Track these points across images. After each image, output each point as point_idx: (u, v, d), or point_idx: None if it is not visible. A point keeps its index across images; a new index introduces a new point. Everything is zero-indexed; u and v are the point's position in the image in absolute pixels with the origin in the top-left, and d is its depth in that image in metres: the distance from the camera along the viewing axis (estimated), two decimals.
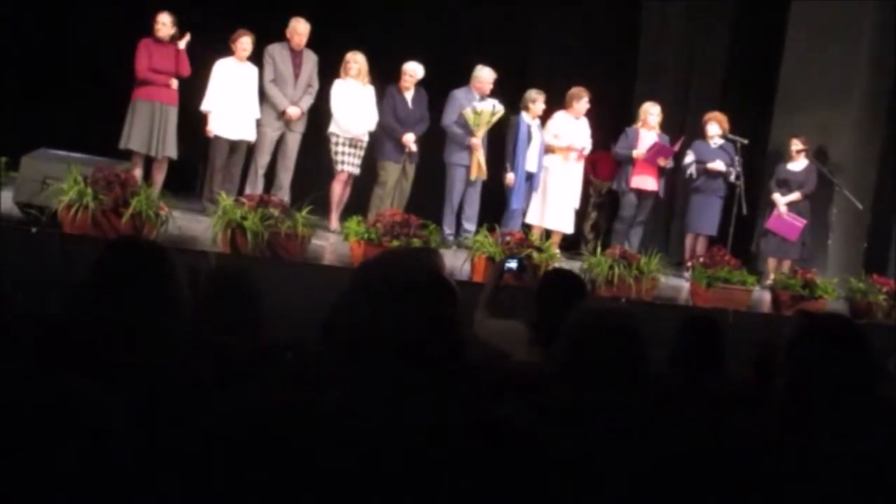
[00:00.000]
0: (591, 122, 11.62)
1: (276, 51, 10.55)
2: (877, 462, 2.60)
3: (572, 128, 11.48)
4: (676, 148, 11.69)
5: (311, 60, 10.69)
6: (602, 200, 12.93)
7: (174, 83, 10.08)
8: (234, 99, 10.33)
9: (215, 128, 10.30)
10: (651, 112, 11.78)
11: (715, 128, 11.81)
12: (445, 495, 1.79)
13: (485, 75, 11.05)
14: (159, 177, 10.05)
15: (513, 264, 5.91)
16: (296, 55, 10.60)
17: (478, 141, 10.89)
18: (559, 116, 11.48)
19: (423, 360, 2.05)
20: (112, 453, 1.73)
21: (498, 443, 1.88)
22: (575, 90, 11.45)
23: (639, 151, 11.56)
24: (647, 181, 11.67)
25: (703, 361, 4.65)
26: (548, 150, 11.34)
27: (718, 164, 11.68)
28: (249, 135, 10.47)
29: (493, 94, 11.13)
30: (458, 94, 11.07)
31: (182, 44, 10.05)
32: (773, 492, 1.99)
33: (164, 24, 10.03)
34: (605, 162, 12.38)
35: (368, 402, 2.04)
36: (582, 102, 11.41)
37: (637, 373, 3.11)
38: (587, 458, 2.11)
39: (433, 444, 1.86)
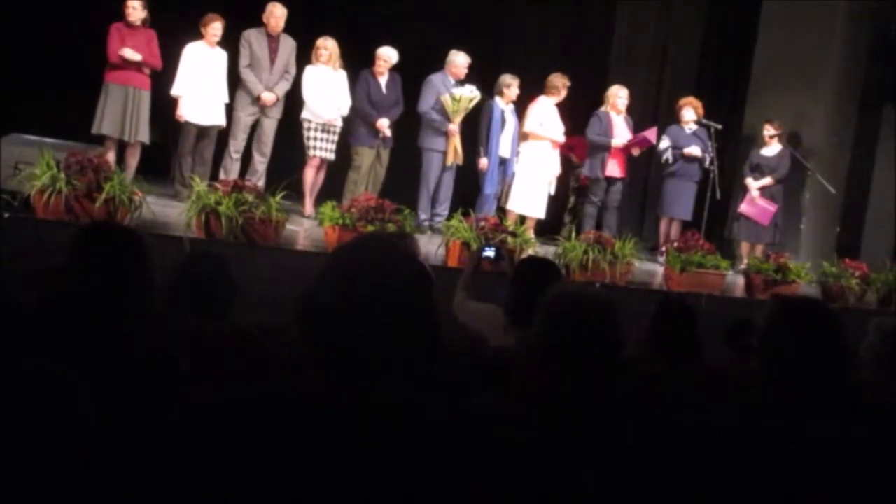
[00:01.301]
0: (566, 106, 11.60)
1: (252, 36, 10.51)
2: (848, 445, 2.62)
3: (554, 115, 11.46)
4: (653, 138, 11.69)
5: (288, 45, 10.65)
6: (580, 185, 12.96)
7: (146, 69, 10.03)
8: (203, 84, 10.27)
9: (185, 112, 10.25)
10: (619, 95, 11.73)
11: (690, 113, 11.83)
12: (420, 479, 1.80)
13: (460, 60, 11.04)
14: (133, 161, 9.98)
15: (490, 252, 5.91)
16: (272, 40, 10.56)
17: (455, 127, 10.88)
18: (543, 103, 11.43)
19: (398, 345, 2.05)
20: (86, 439, 1.73)
21: (471, 428, 1.88)
22: (557, 78, 11.41)
23: (618, 141, 11.54)
24: (617, 168, 11.68)
25: (678, 344, 4.67)
26: (530, 136, 11.32)
27: (694, 150, 11.70)
28: (219, 120, 10.42)
29: (467, 78, 11.12)
30: (435, 79, 11.05)
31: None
32: (747, 474, 2.00)
33: (135, 7, 9.94)
34: (583, 146, 12.40)
35: (343, 388, 2.04)
36: (563, 91, 11.38)
37: (609, 355, 3.12)
38: (560, 441, 2.11)
39: (407, 428, 1.87)
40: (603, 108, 11.75)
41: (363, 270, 2.11)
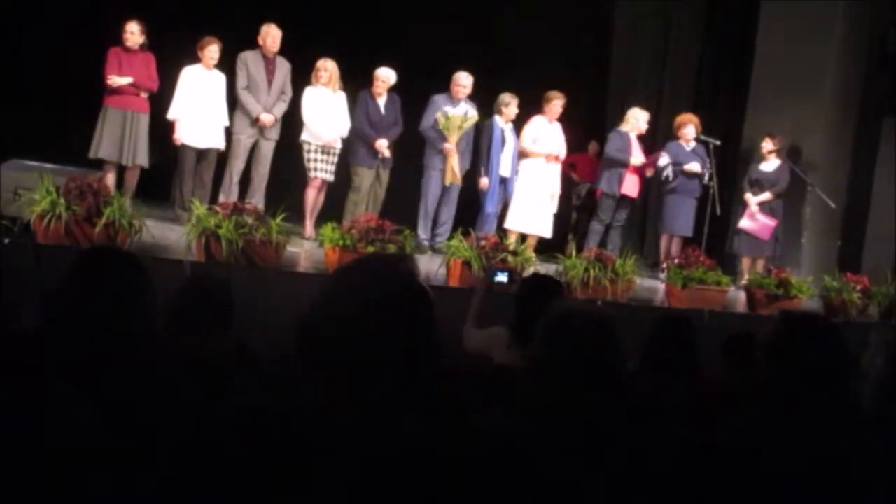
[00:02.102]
0: (565, 124, 11.64)
1: (249, 58, 10.52)
2: (850, 457, 2.62)
3: (549, 132, 11.49)
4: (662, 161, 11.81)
5: (284, 67, 10.66)
6: (583, 202, 12.95)
7: (144, 92, 10.04)
8: (201, 107, 10.27)
9: (182, 136, 10.26)
10: (640, 118, 11.85)
11: (692, 130, 11.88)
12: (421, 496, 1.79)
13: (461, 80, 11.06)
14: (131, 184, 10.00)
15: (503, 277, 5.89)
16: (269, 62, 10.57)
17: (451, 146, 10.90)
18: (536, 121, 11.49)
19: (398, 364, 2.05)
20: (86, 460, 1.73)
21: (473, 447, 1.88)
22: (550, 93, 11.46)
23: (637, 159, 11.60)
24: (634, 187, 11.74)
25: (676, 359, 4.67)
26: (525, 154, 11.36)
27: (694, 166, 11.74)
28: (218, 142, 10.42)
29: (471, 97, 11.15)
30: (438, 98, 11.09)
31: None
32: (749, 487, 2.00)
33: (133, 32, 9.96)
34: (584, 163, 12.40)
35: (344, 407, 2.04)
36: (554, 105, 11.42)
37: (610, 372, 3.12)
38: (562, 457, 2.11)
39: (407, 445, 1.86)
40: (623, 128, 11.82)
41: (363, 292, 2.11)
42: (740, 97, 13.53)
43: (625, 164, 11.64)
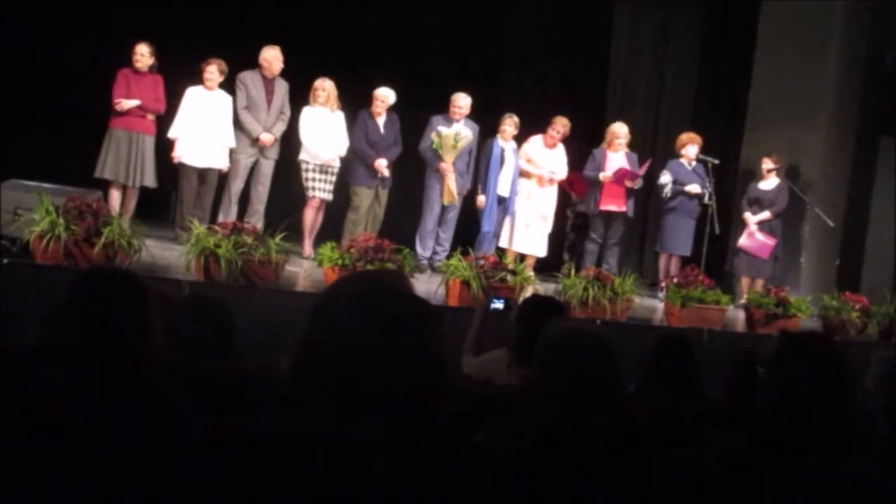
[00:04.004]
0: (566, 146, 11.67)
1: (248, 78, 10.55)
2: (854, 477, 2.61)
3: (546, 154, 11.52)
4: (643, 171, 11.72)
5: (282, 87, 10.69)
6: (579, 222, 12.96)
7: (151, 114, 10.08)
8: (202, 127, 10.30)
9: (182, 155, 10.28)
10: (618, 133, 11.82)
11: (694, 149, 11.87)
12: None
13: (457, 100, 11.09)
14: (131, 204, 10.03)
15: (499, 305, 5.88)
16: (268, 82, 10.60)
17: (447, 166, 10.92)
18: (533, 141, 11.54)
19: (398, 383, 2.05)
20: (86, 481, 1.72)
21: (472, 465, 1.87)
22: (554, 118, 11.50)
23: (605, 174, 11.58)
24: (614, 203, 11.71)
25: (677, 379, 4.67)
26: (521, 174, 11.38)
27: (695, 188, 11.74)
28: (219, 163, 10.45)
29: (472, 118, 11.18)
30: (436, 119, 11.12)
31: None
32: None
33: (143, 54, 10.04)
34: (582, 184, 12.42)
35: (343, 426, 2.03)
36: (553, 128, 11.44)
37: (608, 392, 3.11)
38: (561, 477, 2.10)
39: (407, 466, 1.86)
40: (602, 146, 11.82)
41: (361, 308, 2.10)
42: (738, 116, 13.54)
43: (597, 182, 11.64)
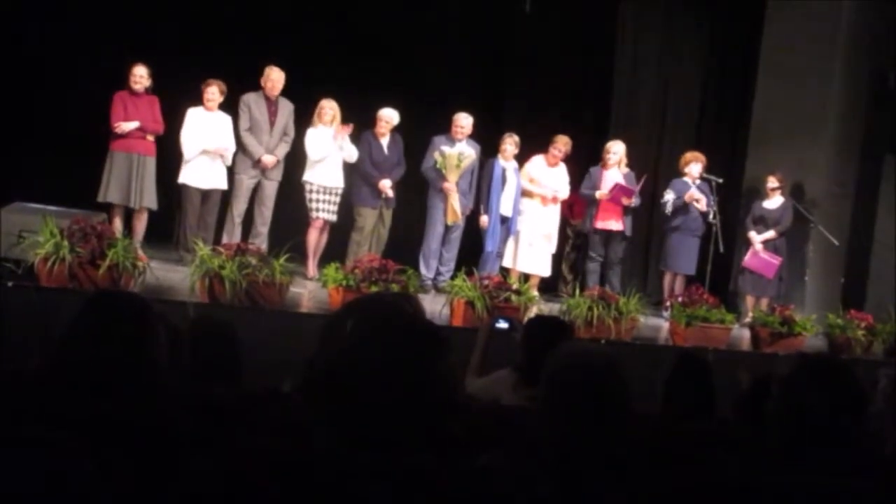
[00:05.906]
0: (568, 165, 11.67)
1: (251, 99, 10.56)
2: (863, 498, 2.60)
3: (548, 173, 11.52)
4: (638, 187, 11.70)
5: (286, 108, 10.70)
6: (579, 242, 12.95)
7: (150, 136, 10.09)
8: (203, 148, 10.32)
9: (185, 177, 10.29)
10: (613, 151, 11.79)
11: (698, 168, 11.85)
12: None
13: (459, 120, 11.10)
14: (140, 227, 10.04)
15: (503, 324, 5.86)
16: (271, 103, 10.61)
17: (450, 185, 10.93)
18: (535, 161, 11.54)
19: (406, 406, 2.04)
20: None
21: (479, 486, 1.87)
22: (555, 136, 11.52)
23: (601, 192, 11.57)
24: (611, 221, 11.70)
25: (694, 399, 4.66)
26: (523, 194, 11.38)
27: (695, 192, 11.71)
28: (221, 183, 10.46)
29: (474, 137, 11.19)
30: (438, 139, 11.12)
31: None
32: None
33: (142, 76, 10.03)
34: (581, 203, 12.41)
35: (350, 448, 2.03)
36: (555, 147, 11.45)
37: (615, 412, 3.10)
38: (569, 499, 2.10)
39: (415, 488, 1.85)
40: (599, 165, 11.82)
41: (370, 330, 2.09)
42: (742, 135, 13.54)
43: (593, 201, 11.64)
